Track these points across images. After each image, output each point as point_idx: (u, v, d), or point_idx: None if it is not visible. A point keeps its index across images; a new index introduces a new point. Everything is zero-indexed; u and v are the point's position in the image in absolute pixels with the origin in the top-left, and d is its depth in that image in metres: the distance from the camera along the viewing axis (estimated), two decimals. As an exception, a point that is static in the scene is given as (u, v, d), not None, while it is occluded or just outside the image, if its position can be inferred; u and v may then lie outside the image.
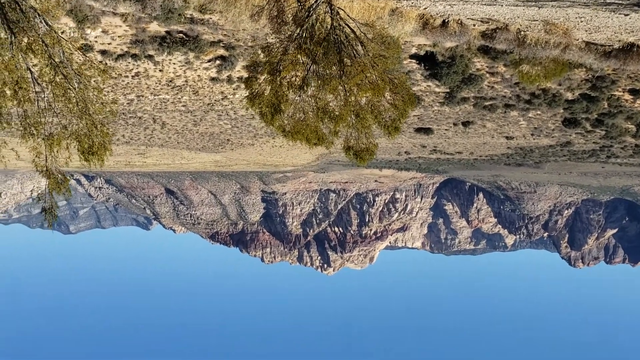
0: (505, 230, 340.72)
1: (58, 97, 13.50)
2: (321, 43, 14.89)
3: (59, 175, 14.37)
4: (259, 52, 16.05)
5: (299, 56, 15.29)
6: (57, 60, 13.05)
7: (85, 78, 13.73)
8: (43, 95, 13.59)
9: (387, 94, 15.93)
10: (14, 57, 12.24)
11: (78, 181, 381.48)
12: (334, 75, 15.30)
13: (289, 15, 16.03)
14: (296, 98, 16.27)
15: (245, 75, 61.46)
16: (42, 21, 12.39)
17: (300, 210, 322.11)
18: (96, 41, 56.25)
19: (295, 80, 15.82)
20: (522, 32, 30.08)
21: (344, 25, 15.26)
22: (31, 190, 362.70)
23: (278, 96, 15.64)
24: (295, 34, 15.30)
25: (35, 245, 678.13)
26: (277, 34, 15.97)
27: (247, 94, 16.42)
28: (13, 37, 12.20)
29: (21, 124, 13.54)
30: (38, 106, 13.50)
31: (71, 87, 13.34)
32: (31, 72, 13.09)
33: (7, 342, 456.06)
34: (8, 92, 12.50)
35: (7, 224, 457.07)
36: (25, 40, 12.48)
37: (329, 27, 15.12)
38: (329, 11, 14.77)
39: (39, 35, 12.32)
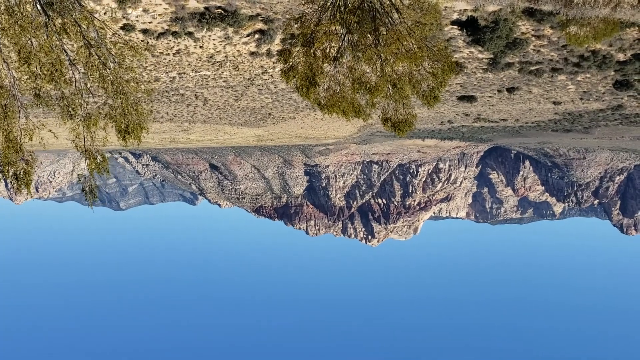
0: (553, 198, 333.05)
1: (94, 77, 13.65)
2: (355, 12, 14.49)
3: (99, 156, 14.62)
4: (292, 24, 15.77)
5: (332, 26, 14.94)
6: (91, 41, 13.17)
7: (119, 58, 13.85)
8: (79, 76, 13.76)
9: (425, 62, 15.47)
10: (49, 39, 12.41)
11: (126, 159, 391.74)
12: (369, 45, 14.92)
13: (322, -16, 15.69)
14: (331, 70, 15.97)
15: (280, 47, 61.15)
16: (76, 1, 12.47)
17: (344, 183, 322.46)
18: (137, 20, 56.84)
19: (330, 52, 15.51)
20: (569, -8, 28.65)
21: (378, -9, 14.83)
22: (72, 170, 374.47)
23: (312, 68, 15.38)
24: (329, 3, 14.93)
25: (88, 221, 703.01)
26: (309, 3, 15.65)
27: (281, 67, 16.21)
28: (47, 19, 12.34)
29: (59, 105, 13.77)
30: (75, 87, 13.70)
31: (106, 67, 13.46)
32: (66, 54, 13.25)
33: (60, 313, 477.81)
34: (45, 74, 12.71)
35: (62, 202, 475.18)
36: (59, 21, 12.62)
37: (362, -6, 14.73)
38: (363, -22, 14.37)
39: (72, 16, 12.41)
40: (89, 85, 14.17)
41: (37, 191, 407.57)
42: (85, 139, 14.25)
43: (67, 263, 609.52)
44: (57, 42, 12.90)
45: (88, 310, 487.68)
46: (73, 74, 13.74)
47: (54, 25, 12.55)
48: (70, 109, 13.85)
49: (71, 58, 13.69)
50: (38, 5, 12.04)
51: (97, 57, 13.34)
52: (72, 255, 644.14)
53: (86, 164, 14.78)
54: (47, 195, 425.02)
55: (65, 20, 12.56)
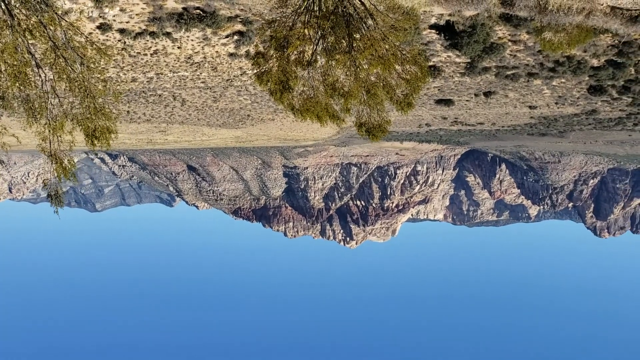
0: (529, 200, 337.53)
1: (61, 79, 13.32)
2: (329, 17, 14.38)
3: (65, 160, 14.25)
4: (265, 27, 15.61)
5: (306, 31, 14.83)
6: (57, 42, 12.86)
7: (87, 60, 13.55)
8: (45, 78, 13.43)
9: (398, 68, 15.44)
10: (14, 40, 12.06)
11: (102, 160, 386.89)
12: (343, 50, 14.83)
13: (295, -13, 15.59)
14: (305, 75, 15.85)
15: (263, 50, 60.83)
16: (42, 1, 12.16)
17: (322, 184, 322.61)
18: (114, 20, 56.11)
19: (304, 56, 15.39)
20: (543, -2, 29.03)
21: (352, -3, 14.78)
22: (37, 175, 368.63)
23: (286, 73, 15.24)
24: (303, 7, 14.82)
25: (63, 223, 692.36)
26: (283, 7, 15.52)
27: (255, 71, 16.07)
28: (12, 19, 12.02)
29: (24, 108, 13.42)
30: (42, 89, 13.37)
31: (73, 69, 13.16)
32: (32, 55, 12.93)
33: (31, 317, 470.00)
34: (9, 76, 12.36)
35: (36, 203, 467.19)
36: (25, 21, 12.29)
37: (337, -1, 14.65)
38: (338, -18, 14.28)
39: (37, 16, 12.12)
40: (55, 88, 13.86)
41: (11, 192, 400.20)
42: (52, 143, 13.91)
43: (41, 265, 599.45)
44: (22, 43, 12.58)
45: (62, 312, 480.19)
46: (40, 75, 13.43)
47: (19, 25, 12.24)
48: (35, 112, 13.51)
49: (38, 59, 13.37)
50: (3, 5, 11.72)
51: (63, 59, 13.02)
52: (46, 256, 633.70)
53: (52, 168, 14.43)
54: (20, 196, 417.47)
55: (31, 20, 12.26)
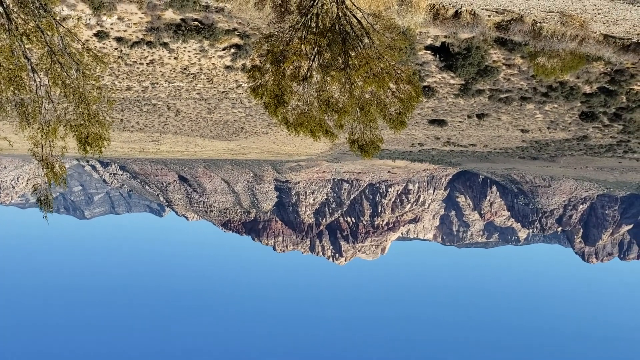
0: (518, 223, 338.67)
1: (56, 85, 13.33)
2: (325, 34, 14.53)
3: (57, 166, 14.22)
4: (262, 41, 15.73)
5: (302, 46, 14.95)
6: (54, 47, 12.90)
7: (83, 66, 13.58)
8: (40, 83, 13.43)
9: (392, 86, 15.57)
10: (11, 43, 12.07)
11: (93, 167, 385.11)
12: (338, 67, 14.96)
13: (293, 4, 15.68)
14: (300, 90, 15.94)
15: (260, 64, 61.12)
16: (40, 7, 12.22)
17: (313, 200, 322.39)
18: (112, 28, 56.27)
19: (299, 71, 15.49)
20: (537, 24, 29.43)
21: (350, 15, 14.90)
22: (27, 180, 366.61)
23: (281, 87, 15.33)
24: (300, 24, 14.96)
25: (51, 229, 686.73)
26: (280, 23, 15.64)
27: (251, 84, 16.14)
28: (9, 23, 12.04)
29: (18, 112, 13.41)
30: (36, 94, 13.37)
31: (69, 75, 13.18)
32: (28, 60, 12.95)
33: (21, 325, 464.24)
34: (4, 79, 12.35)
35: (25, 208, 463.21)
36: (22, 26, 12.32)
37: (334, 16, 14.78)
38: (335, 0, 14.42)
39: (35, 21, 12.17)
40: (50, 93, 13.87)
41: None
42: (44, 148, 13.88)
43: (28, 270, 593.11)
44: (19, 47, 12.60)
45: (49, 319, 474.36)
46: (34, 80, 13.43)
47: (17, 29, 12.27)
48: (29, 117, 13.49)
49: (34, 64, 13.39)
50: (1, 8, 11.75)
51: (59, 64, 13.05)
52: (33, 262, 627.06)
53: (43, 173, 14.38)
54: (9, 200, 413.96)
55: (29, 25, 12.30)
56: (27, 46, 12.61)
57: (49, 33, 12.51)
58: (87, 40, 55.76)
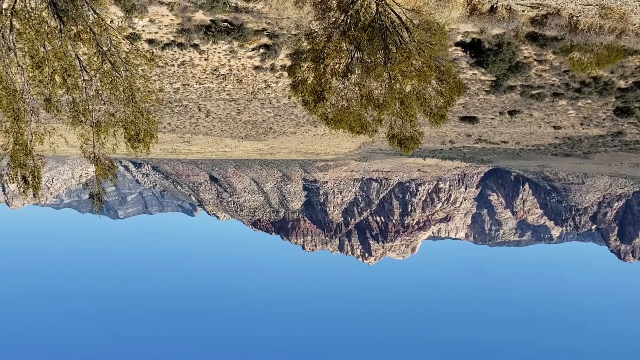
0: (552, 221, 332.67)
1: (106, 85, 13.72)
2: (366, 29, 14.59)
3: (107, 162, 14.66)
4: (303, 39, 15.86)
5: (343, 43, 15.03)
6: (104, 48, 13.27)
7: (132, 66, 13.92)
8: (91, 83, 13.83)
9: (433, 81, 15.56)
10: (62, 45, 12.48)
11: (126, 168, 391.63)
12: (378, 62, 15.01)
13: (334, 1, 15.79)
14: (339, 86, 16.04)
15: (289, 63, 61.47)
16: (90, 10, 12.59)
17: (342, 199, 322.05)
18: (143, 30, 57.22)
19: (339, 68, 15.59)
20: (574, 18, 28.94)
21: (389, 11, 14.94)
22: (80, 176, 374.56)
23: (321, 84, 15.43)
24: (340, 20, 15.05)
25: (85, 229, 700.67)
26: (321, 20, 15.75)
27: (290, 81, 16.29)
28: (62, 26, 12.42)
29: (70, 111, 13.83)
30: (86, 94, 13.76)
31: (119, 75, 13.54)
32: (79, 60, 13.34)
33: (54, 323, 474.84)
34: (57, 79, 12.76)
35: (59, 209, 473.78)
36: (74, 28, 12.71)
37: (374, 13, 14.82)
38: (375, -3, 14.50)
39: (87, 23, 12.52)
40: (100, 92, 14.26)
41: (35, 197, 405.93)
42: (95, 145, 14.29)
43: (64, 270, 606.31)
44: (70, 48, 13.00)
45: (83, 319, 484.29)
46: (84, 80, 13.83)
47: (68, 31, 12.66)
48: (80, 115, 13.91)
49: (84, 64, 13.78)
50: (52, 11, 12.15)
51: (110, 64, 13.42)
52: (68, 262, 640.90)
53: (95, 169, 14.81)
54: (44, 201, 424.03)
55: (80, 26, 12.66)
56: (77, 47, 13.00)
57: (99, 34, 12.89)
58: (119, 43, 56.79)
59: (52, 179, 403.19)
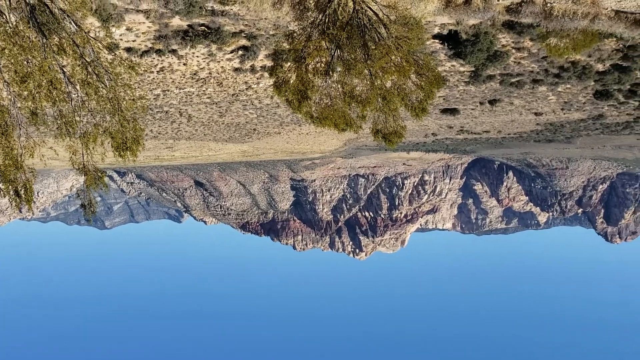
0: (538, 208, 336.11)
1: (90, 95, 13.77)
2: (344, 27, 14.80)
3: (97, 173, 14.69)
4: (282, 40, 16.06)
5: (323, 42, 15.24)
6: (87, 59, 13.31)
7: (115, 75, 13.97)
8: (76, 95, 13.87)
9: (412, 75, 15.81)
10: (46, 59, 12.53)
11: (110, 177, 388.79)
12: (359, 59, 15.24)
13: (311, 1, 15.98)
14: (322, 84, 16.24)
15: (269, 64, 61.53)
16: (71, 22, 12.63)
17: (330, 197, 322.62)
18: (121, 39, 56.92)
19: (320, 66, 15.78)
20: (548, 4, 29.38)
21: (366, 8, 15.16)
22: (68, 188, 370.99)
23: (304, 83, 15.64)
24: (318, 20, 15.24)
25: (73, 241, 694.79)
26: (299, 20, 15.92)
27: (273, 82, 16.46)
28: (44, 39, 12.49)
29: (56, 123, 13.87)
30: (72, 105, 13.82)
31: (103, 85, 13.59)
32: (64, 73, 13.37)
33: (43, 336, 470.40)
34: (43, 93, 12.80)
35: (46, 222, 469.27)
36: (56, 41, 12.74)
37: (351, 11, 15.03)
38: (351, -5, 14.70)
39: (69, 35, 12.57)
40: (86, 103, 14.31)
41: (21, 211, 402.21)
42: (84, 156, 14.35)
43: (53, 283, 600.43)
44: (54, 62, 13.04)
45: (76, 329, 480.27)
46: (69, 92, 13.87)
47: (51, 45, 12.70)
48: (68, 127, 13.97)
49: (68, 76, 13.82)
50: (33, 25, 12.19)
51: (94, 75, 13.47)
52: (58, 275, 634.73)
53: (85, 179, 14.85)
54: (30, 215, 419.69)
55: (63, 40, 12.71)
56: (60, 60, 13.03)
57: (82, 46, 12.94)
58: (100, 52, 56.46)
59: (37, 193, 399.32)
